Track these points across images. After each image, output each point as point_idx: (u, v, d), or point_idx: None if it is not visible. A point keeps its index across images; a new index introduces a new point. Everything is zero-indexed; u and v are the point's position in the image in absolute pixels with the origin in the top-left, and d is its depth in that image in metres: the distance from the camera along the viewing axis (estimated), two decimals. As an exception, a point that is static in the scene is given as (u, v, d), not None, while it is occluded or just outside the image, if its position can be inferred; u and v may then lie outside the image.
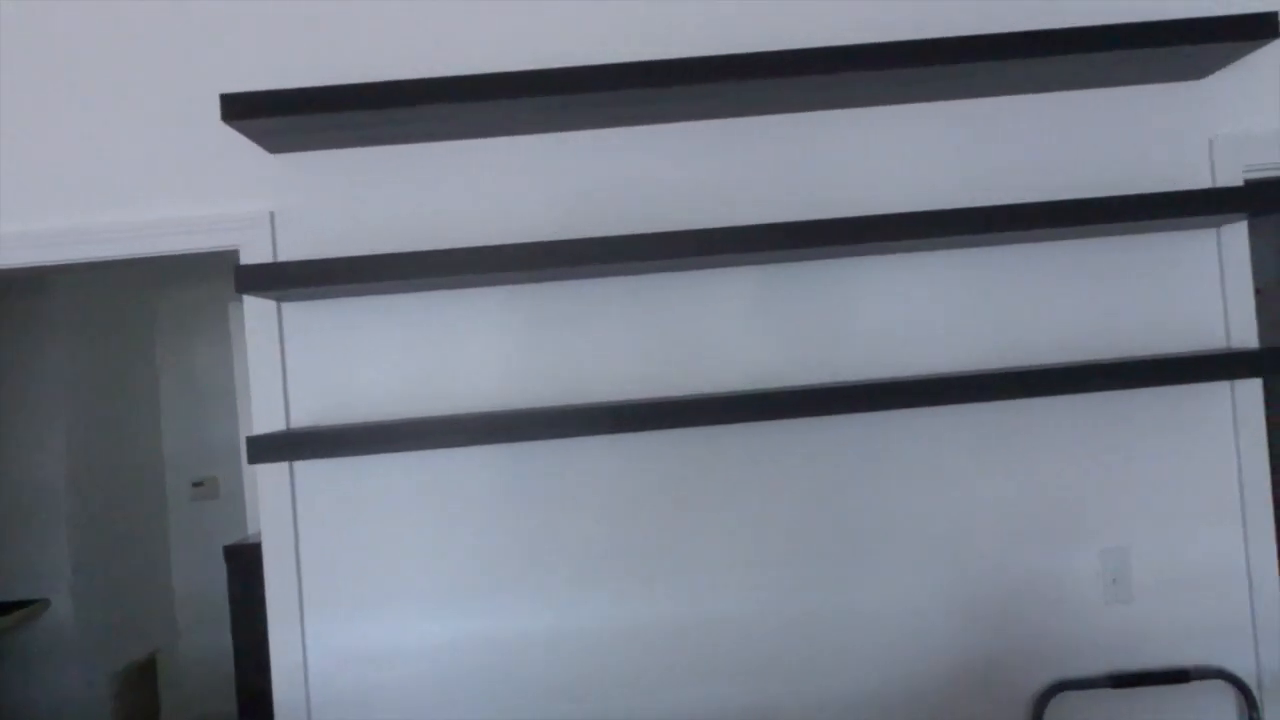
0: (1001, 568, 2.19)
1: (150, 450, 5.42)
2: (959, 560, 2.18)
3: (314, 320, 2.17)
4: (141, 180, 2.17)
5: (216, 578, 4.75)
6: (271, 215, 2.16)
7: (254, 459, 1.92)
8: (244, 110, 1.90)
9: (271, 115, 1.90)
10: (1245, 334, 2.20)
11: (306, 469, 2.16)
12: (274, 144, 2.10)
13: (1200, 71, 2.15)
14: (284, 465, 2.15)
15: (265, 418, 2.15)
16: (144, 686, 5.02)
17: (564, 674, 2.17)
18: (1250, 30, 1.96)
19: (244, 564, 4.04)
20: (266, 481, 2.16)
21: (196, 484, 5.47)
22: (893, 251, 2.14)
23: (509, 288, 2.16)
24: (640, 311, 2.17)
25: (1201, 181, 2.20)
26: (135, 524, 5.19)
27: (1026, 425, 2.19)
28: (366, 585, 2.16)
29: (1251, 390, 2.21)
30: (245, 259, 2.15)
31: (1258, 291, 2.19)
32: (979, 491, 2.19)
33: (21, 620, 4.47)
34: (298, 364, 2.17)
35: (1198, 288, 2.21)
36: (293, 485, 2.16)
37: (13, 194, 2.17)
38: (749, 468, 2.18)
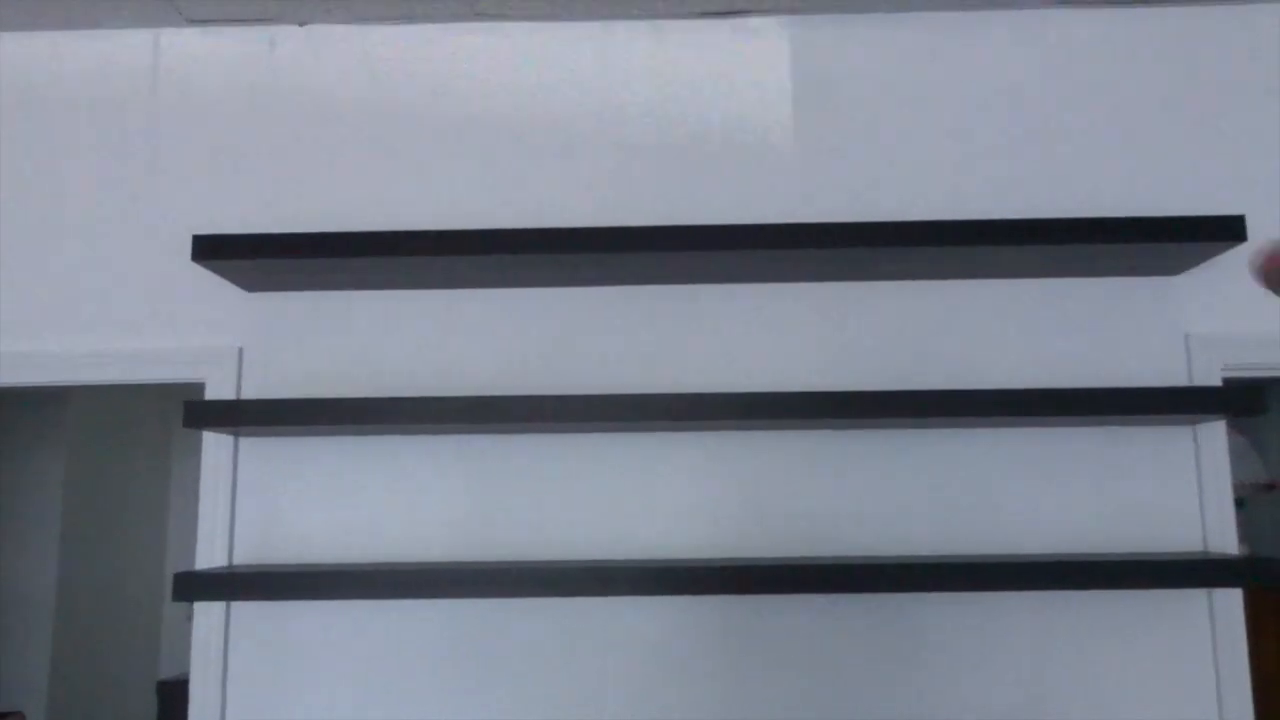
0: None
1: (153, 570, 5.40)
2: (912, 760, 2.05)
3: (268, 459, 2.17)
4: (122, 312, 2.23)
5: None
6: (240, 351, 2.19)
7: (178, 596, 1.89)
8: (212, 251, 1.96)
9: (237, 258, 1.96)
10: (1224, 538, 2.10)
11: (243, 610, 2.12)
12: (248, 283, 2.15)
13: (1174, 268, 2.13)
14: (221, 604, 2.11)
15: (209, 552, 2.13)
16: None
17: None
18: (1218, 232, 1.95)
19: (176, 702, 3.84)
20: (201, 619, 2.12)
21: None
22: (846, 429, 2.10)
23: (457, 438, 2.15)
24: (583, 469, 2.14)
25: (1178, 379, 2.15)
26: (123, 643, 5.13)
27: (988, 620, 2.09)
28: (292, 737, 2.08)
29: (1231, 599, 2.09)
30: (211, 392, 2.17)
31: (1239, 503, 2.11)
32: (932, 689, 2.07)
33: (-7, 731, 4.39)
34: (248, 501, 2.16)
35: (1174, 489, 2.13)
36: (227, 626, 2.12)
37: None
38: (672, 643, 2.10)
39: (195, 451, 5.59)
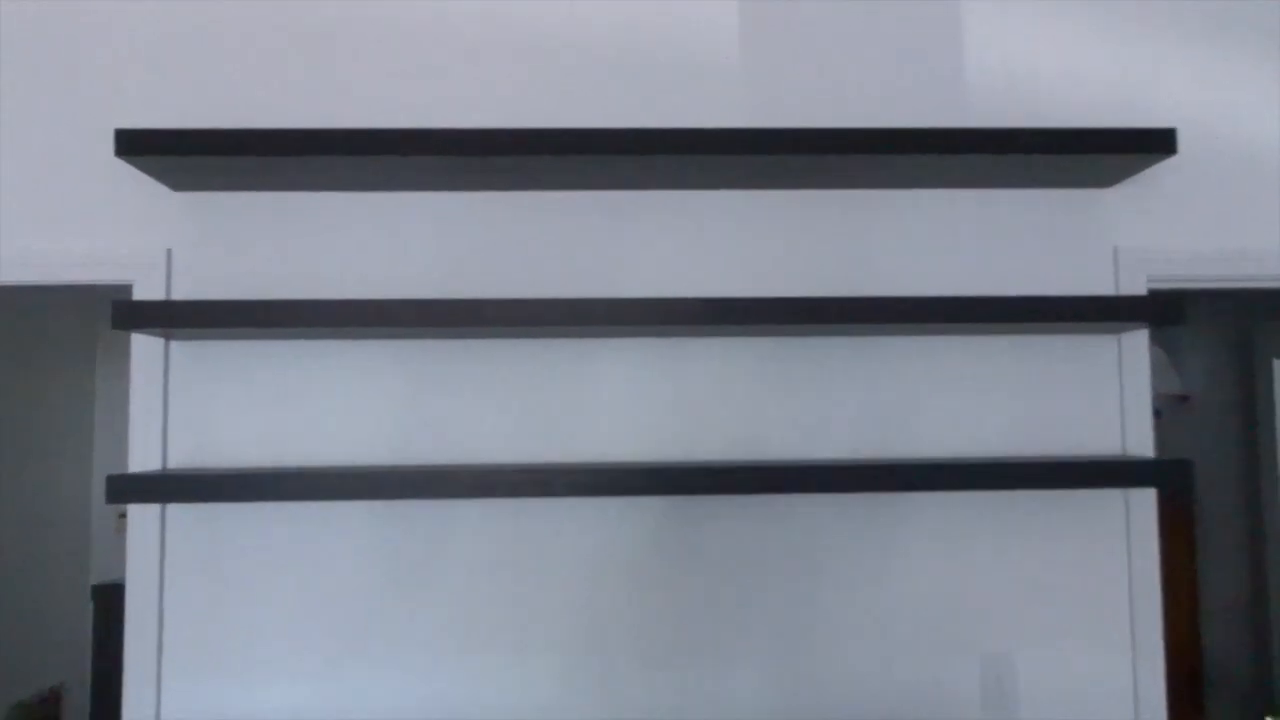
0: (878, 674, 2.14)
1: (80, 476, 5.30)
2: (828, 663, 2.14)
3: (201, 362, 2.13)
4: (43, 211, 2.14)
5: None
6: (169, 252, 2.13)
7: (112, 498, 1.86)
8: (136, 146, 1.88)
9: (163, 154, 1.89)
10: (1142, 444, 2.19)
11: (179, 515, 2.11)
12: (175, 182, 2.08)
13: (1105, 181, 2.17)
14: (156, 509, 2.09)
15: (142, 457, 2.10)
16: (45, 722, 4.85)
17: (426, 746, 2.10)
18: (1148, 144, 1.99)
19: (112, 605, 3.74)
20: (136, 524, 2.10)
21: (122, 515, 5.35)
22: (774, 335, 2.13)
23: (395, 343, 2.13)
24: (521, 374, 2.14)
25: (1105, 289, 2.21)
26: (53, 550, 5.06)
27: (908, 521, 2.16)
28: (231, 645, 2.09)
29: (1145, 502, 2.19)
30: (139, 295, 2.11)
31: (1156, 414, 2.18)
32: (855, 589, 2.15)
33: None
34: (180, 405, 2.12)
35: (1098, 396, 2.20)
36: (163, 531, 2.10)
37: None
38: (594, 543, 2.14)
39: (123, 356, 5.46)
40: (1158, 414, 3.84)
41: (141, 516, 2.10)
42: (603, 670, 2.12)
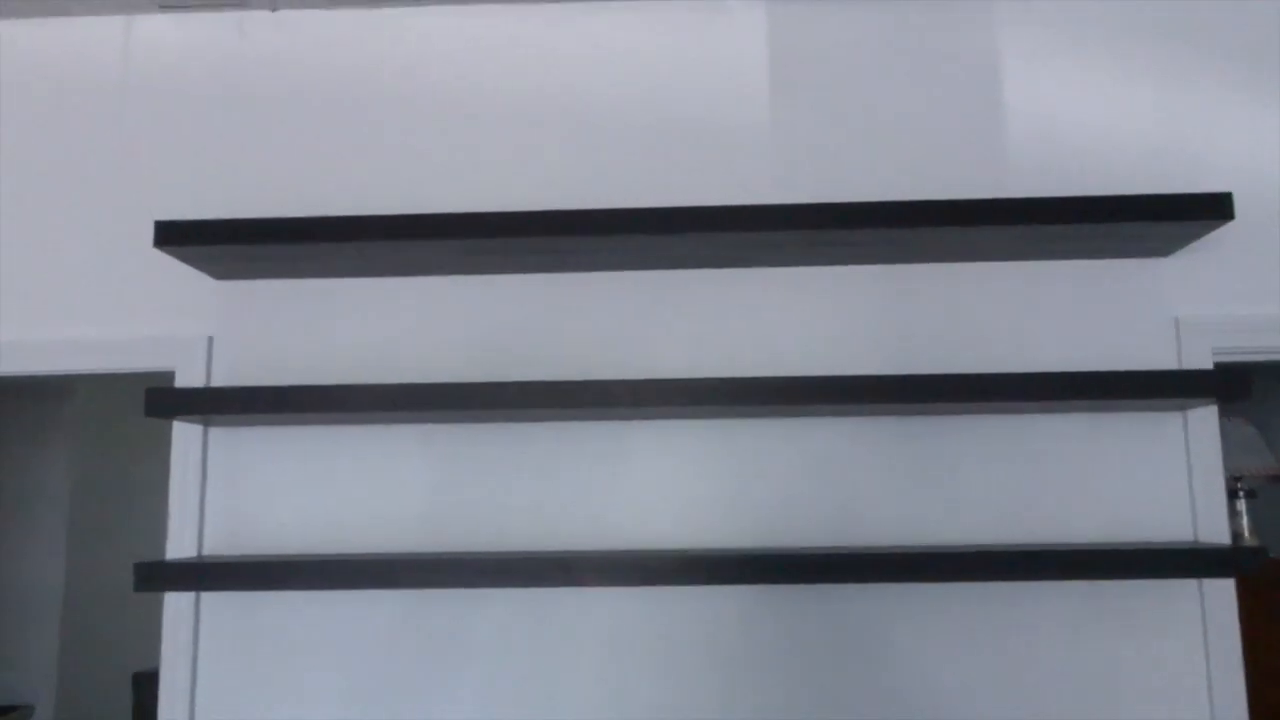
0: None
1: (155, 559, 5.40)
2: (890, 755, 2.00)
3: (238, 449, 2.15)
4: (90, 300, 2.21)
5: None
6: (209, 340, 2.17)
7: (140, 586, 1.87)
8: (175, 237, 1.93)
9: (198, 244, 1.93)
10: (1215, 527, 2.04)
11: (213, 600, 2.10)
12: (216, 271, 2.13)
13: (1162, 250, 2.07)
14: (190, 596, 2.10)
15: (179, 543, 2.12)
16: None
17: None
18: (1204, 210, 1.88)
19: (151, 693, 3.75)
20: (170, 609, 2.10)
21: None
22: (840, 415, 2.05)
23: (427, 427, 2.12)
24: (556, 457, 2.10)
25: (1167, 363, 2.09)
26: (129, 635, 5.14)
27: (960, 613, 2.04)
28: (262, 728, 2.06)
29: (1222, 590, 2.03)
30: (180, 381, 2.15)
31: (1250, 494, 2.01)
32: (910, 681, 2.02)
33: (3, 726, 4.41)
34: (217, 492, 2.14)
35: (1164, 477, 2.06)
36: (196, 616, 2.10)
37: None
38: (659, 630, 2.05)
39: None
40: (1251, 494, 3.59)
41: (176, 603, 2.10)
42: (637, 768, 2.02)
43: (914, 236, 1.96)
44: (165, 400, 1.90)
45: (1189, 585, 2.03)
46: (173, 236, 1.94)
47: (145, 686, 3.88)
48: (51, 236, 2.24)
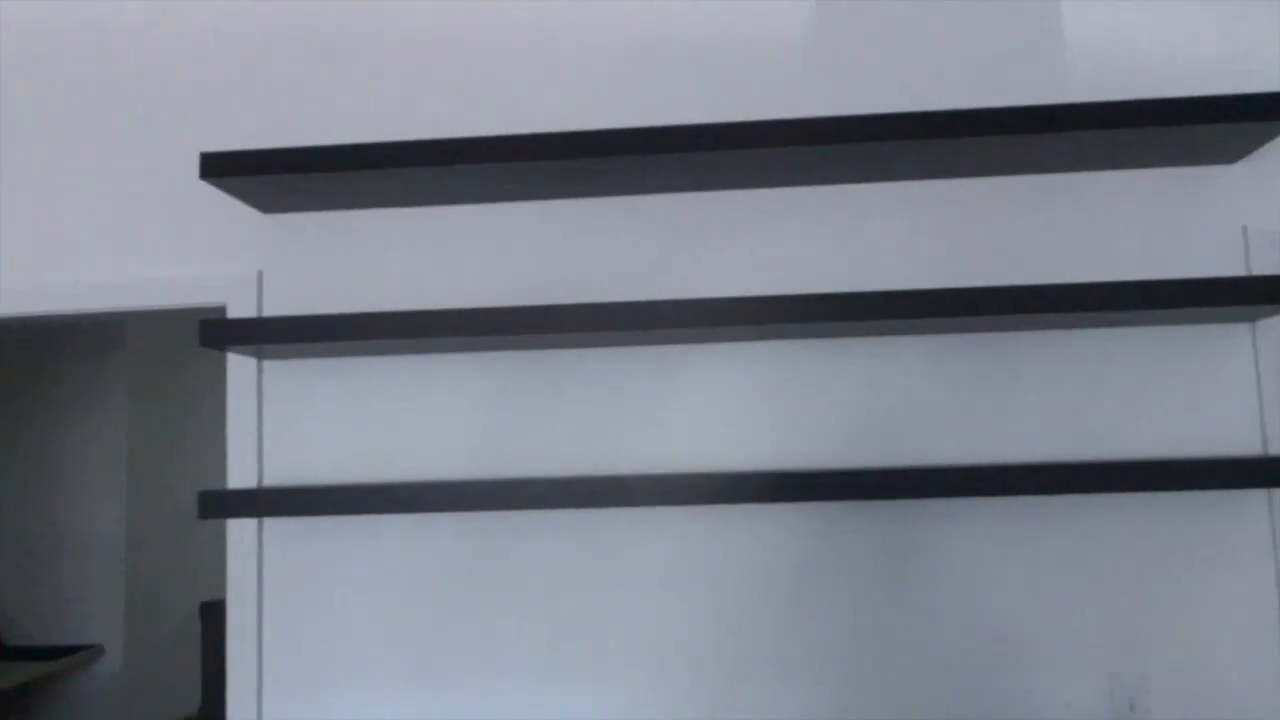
0: (1002, 692, 1.99)
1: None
2: (947, 679, 1.99)
3: (292, 380, 2.16)
4: (139, 237, 2.22)
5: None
6: (260, 274, 2.18)
7: (204, 514, 1.90)
8: (220, 168, 1.93)
9: (246, 175, 1.92)
10: (1286, 440, 1.99)
11: (275, 529, 2.14)
12: (263, 204, 2.13)
13: (1229, 156, 1.99)
14: (253, 525, 2.13)
15: (240, 475, 2.14)
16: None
17: (518, 764, 2.05)
18: (1271, 110, 1.81)
19: (216, 622, 3.80)
20: (234, 541, 2.14)
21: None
22: (900, 333, 2.02)
23: (482, 355, 2.12)
24: (608, 381, 2.09)
25: (1236, 271, 2.02)
26: (193, 570, 5.25)
27: (1026, 529, 2.01)
28: (327, 656, 2.10)
29: (1292, 503, 1.99)
30: (232, 316, 2.16)
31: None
32: (974, 600, 2.00)
33: (74, 666, 4.55)
34: (274, 423, 2.16)
35: (1232, 390, 2.01)
36: (260, 546, 2.13)
37: (11, 250, 2.25)
38: (717, 551, 2.05)
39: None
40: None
41: (239, 533, 2.14)
42: (684, 683, 2.03)
43: (973, 147, 1.91)
44: (220, 332, 1.91)
45: (1258, 498, 1.99)
46: (219, 168, 1.94)
47: (212, 615, 3.98)
48: (99, 177, 2.25)
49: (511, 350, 2.10)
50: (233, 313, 2.17)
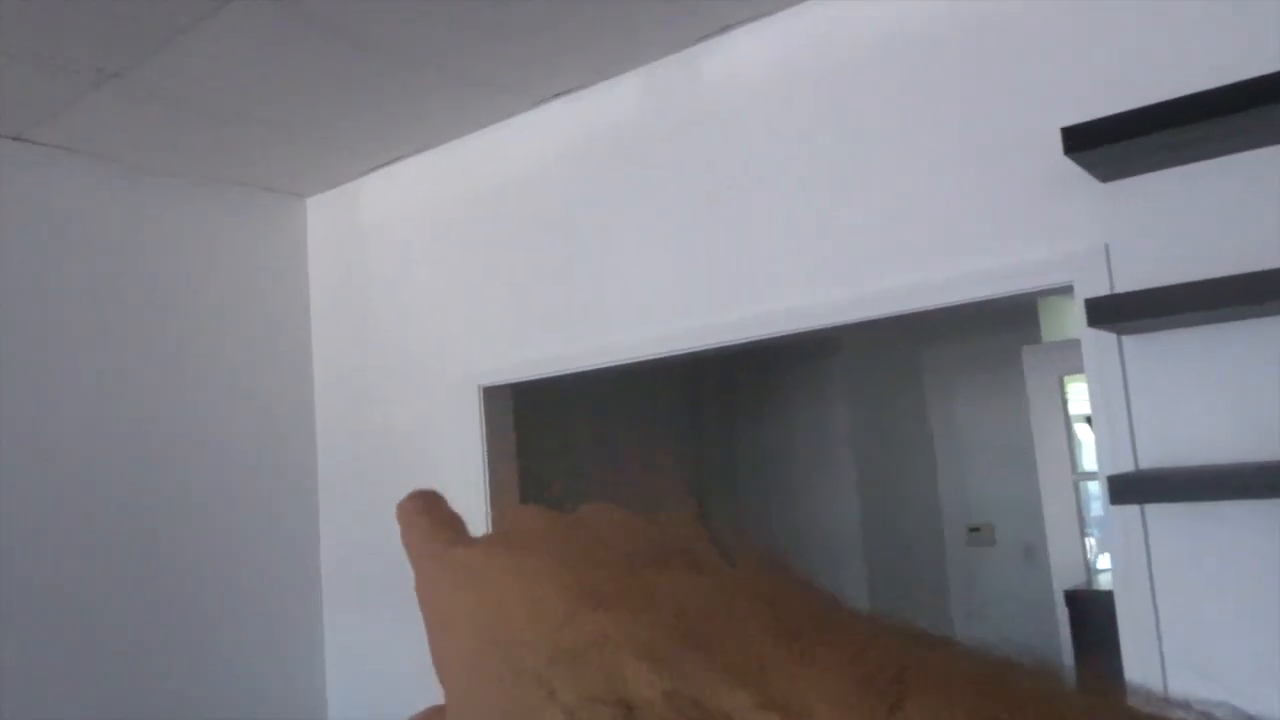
0: None
1: (927, 498, 5.69)
2: None
3: (1153, 356, 2.02)
4: (985, 225, 2.24)
5: (1000, 626, 4.76)
6: (1106, 248, 2.08)
7: (1115, 499, 1.84)
8: (1084, 141, 1.86)
9: (1110, 142, 1.83)
10: None
11: (1158, 515, 2.00)
12: (1103, 173, 2.02)
13: None
14: (1135, 510, 2.02)
15: (1110, 458, 2.06)
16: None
17: None
18: None
19: (1081, 609, 4.26)
20: (1119, 527, 2.05)
21: (973, 529, 5.56)
22: None
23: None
24: None
25: None
26: (917, 566, 5.48)
27: None
28: (1230, 647, 1.92)
29: None
30: (1080, 295, 2.09)
31: None
32: None
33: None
34: (1140, 402, 2.04)
35: None
36: (1145, 532, 2.02)
37: (858, 256, 2.41)
38: None
39: (946, 385, 5.73)
40: None
41: (1123, 519, 2.04)
42: None
43: None
44: (1105, 309, 1.84)
45: None
46: (1081, 140, 1.87)
47: (1079, 604, 4.37)
48: (944, 176, 2.32)
49: None
50: (1081, 292, 2.09)
